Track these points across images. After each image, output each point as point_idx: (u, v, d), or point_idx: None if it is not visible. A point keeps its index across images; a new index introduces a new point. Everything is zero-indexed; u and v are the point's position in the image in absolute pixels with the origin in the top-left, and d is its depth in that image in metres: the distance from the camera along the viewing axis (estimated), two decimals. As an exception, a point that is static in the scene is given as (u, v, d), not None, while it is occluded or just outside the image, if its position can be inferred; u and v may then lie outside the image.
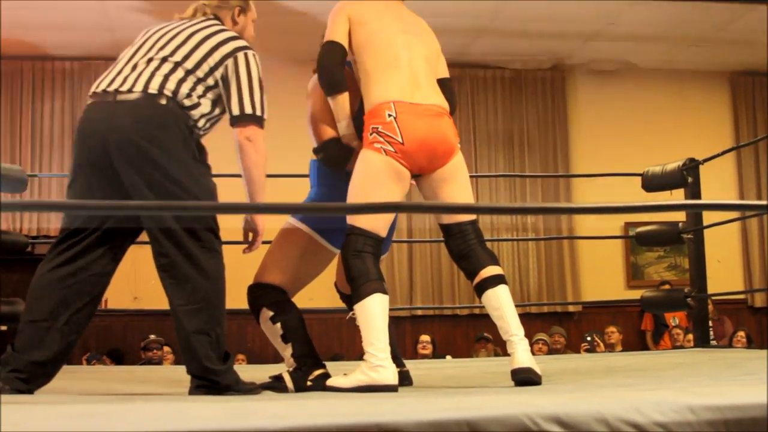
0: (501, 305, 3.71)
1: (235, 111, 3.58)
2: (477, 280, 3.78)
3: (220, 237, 3.55)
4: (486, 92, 11.81)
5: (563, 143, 11.86)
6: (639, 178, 7.00)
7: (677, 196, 6.95)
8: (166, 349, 9.35)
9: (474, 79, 11.68)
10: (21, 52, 10.71)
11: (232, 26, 3.85)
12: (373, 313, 3.55)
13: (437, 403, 2.51)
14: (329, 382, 3.66)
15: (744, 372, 3.85)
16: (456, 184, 3.86)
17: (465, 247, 3.84)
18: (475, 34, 10.49)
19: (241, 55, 3.62)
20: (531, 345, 9.57)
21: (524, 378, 3.55)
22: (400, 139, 3.67)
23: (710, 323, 7.71)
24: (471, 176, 4.05)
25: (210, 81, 3.58)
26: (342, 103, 3.88)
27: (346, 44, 3.93)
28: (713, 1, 2.49)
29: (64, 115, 10.79)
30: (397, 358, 3.88)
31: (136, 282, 9.47)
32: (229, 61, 3.60)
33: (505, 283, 3.79)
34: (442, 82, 4.00)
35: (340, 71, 3.88)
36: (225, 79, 3.59)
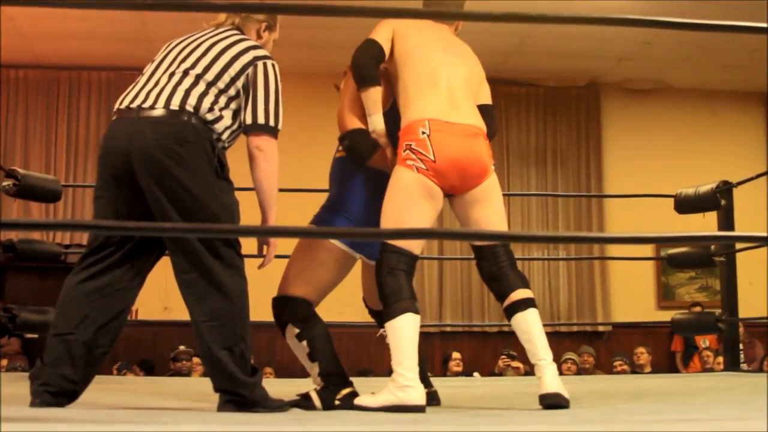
0: (530, 329, 3.69)
1: (248, 120, 3.58)
2: (507, 302, 3.77)
3: (241, 252, 3.57)
4: (519, 109, 11.80)
5: (596, 161, 11.82)
6: (671, 198, 6.97)
7: (710, 218, 6.92)
8: (196, 360, 9.36)
9: (508, 96, 11.65)
10: (57, 61, 10.80)
11: (256, 40, 3.85)
12: (404, 333, 3.54)
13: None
14: (357, 401, 3.66)
15: (773, 400, 3.82)
16: (489, 205, 3.85)
17: (496, 269, 3.82)
18: (510, 52, 10.49)
19: (260, 64, 3.62)
20: (560, 364, 9.63)
21: (553, 403, 3.53)
22: (432, 157, 3.67)
23: (741, 346, 7.67)
24: (503, 195, 4.03)
25: (232, 91, 3.59)
26: (374, 96, 3.88)
27: (385, 47, 3.94)
28: (741, 32, 2.46)
29: (99, 126, 10.81)
30: (425, 379, 3.87)
31: (167, 292, 9.44)
32: (250, 70, 3.60)
33: (535, 306, 3.77)
34: (484, 108, 3.98)
35: (373, 66, 3.89)
36: (246, 88, 3.60)
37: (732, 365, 6.76)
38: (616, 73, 11.50)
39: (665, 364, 11.17)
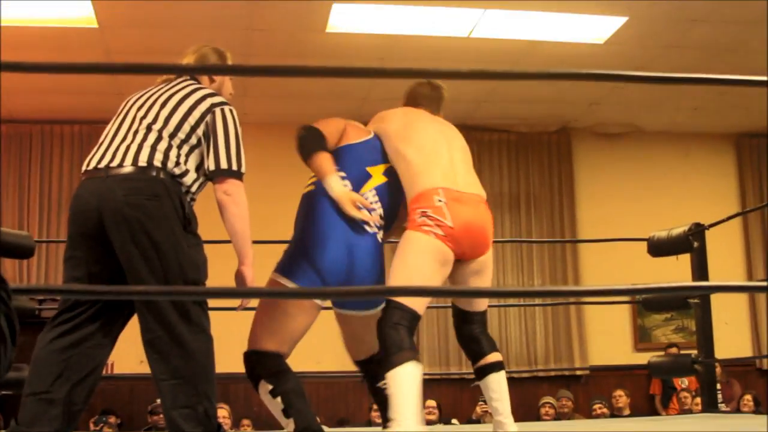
0: (502, 389, 4.00)
1: (212, 167, 3.60)
2: (482, 362, 4.05)
3: (207, 310, 3.57)
4: (491, 155, 11.81)
5: (569, 205, 11.86)
6: (645, 242, 7.01)
7: (683, 260, 6.96)
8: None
9: (479, 142, 11.67)
10: (29, 116, 10.76)
11: (210, 84, 3.89)
12: (405, 382, 3.61)
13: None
14: None
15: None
16: (486, 277, 4.06)
17: (475, 334, 4.08)
18: (481, 99, 10.55)
19: (218, 111, 3.65)
20: (538, 408, 9.61)
21: None
22: (450, 223, 3.80)
23: (718, 386, 7.68)
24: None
25: (193, 140, 3.61)
26: (320, 161, 3.92)
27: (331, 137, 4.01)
28: (711, 83, 2.49)
29: (72, 180, 10.70)
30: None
31: (142, 346, 9.44)
32: (208, 118, 3.63)
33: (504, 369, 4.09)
34: None
35: (313, 140, 3.95)
36: (206, 136, 3.62)
37: (710, 406, 6.77)
38: (587, 117, 11.56)
39: (644, 406, 11.17)
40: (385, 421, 3.76)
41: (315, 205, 3.99)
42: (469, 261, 3.96)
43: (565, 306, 11.25)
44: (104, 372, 3.69)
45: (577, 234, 11.62)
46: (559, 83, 10.05)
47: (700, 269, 6.78)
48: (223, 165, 3.60)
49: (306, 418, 3.84)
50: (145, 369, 9.67)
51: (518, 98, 10.71)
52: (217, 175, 3.61)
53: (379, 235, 3.97)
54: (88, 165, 3.63)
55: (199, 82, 3.84)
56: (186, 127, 3.61)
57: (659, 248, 6.90)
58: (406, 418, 3.52)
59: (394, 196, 4.06)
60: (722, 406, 8.21)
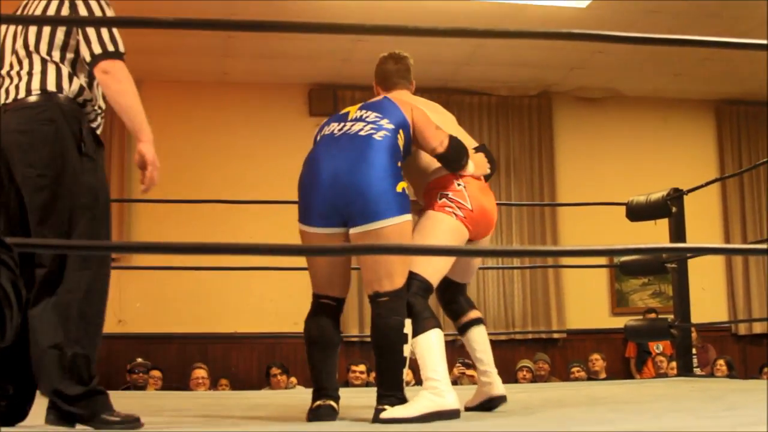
0: (485, 341, 4.25)
1: (88, 57, 3.51)
2: (464, 319, 4.27)
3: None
4: (472, 118, 11.77)
5: (549, 169, 11.86)
6: (623, 206, 7.04)
7: (662, 225, 6.99)
8: (152, 373, 9.26)
9: (460, 105, 11.60)
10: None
11: None
12: (434, 345, 3.77)
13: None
14: (388, 414, 3.63)
15: (725, 407, 3.86)
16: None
17: (455, 297, 4.32)
18: (462, 62, 10.53)
19: (79, 4, 3.55)
20: (515, 372, 9.68)
21: (503, 403, 4.15)
22: (470, 206, 4.01)
23: (694, 351, 7.75)
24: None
25: (72, 43, 3.53)
26: None
27: None
28: (706, 46, 2.51)
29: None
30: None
31: (121, 306, 9.46)
32: (72, 15, 3.54)
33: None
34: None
35: None
36: (78, 33, 3.53)
37: (685, 370, 6.83)
38: (568, 81, 11.56)
39: (620, 370, 11.24)
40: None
41: None
42: (475, 241, 4.14)
43: (543, 270, 11.30)
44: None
45: (556, 198, 11.63)
46: (541, 47, 10.04)
47: (677, 234, 6.82)
48: (97, 50, 3.49)
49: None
50: (123, 328, 9.70)
51: (499, 61, 10.68)
52: (95, 62, 3.50)
53: (380, 134, 3.88)
54: None
55: None
56: (60, 35, 3.53)
57: (638, 213, 6.94)
58: (440, 375, 3.69)
59: (381, 103, 4.09)
60: (697, 371, 8.29)
